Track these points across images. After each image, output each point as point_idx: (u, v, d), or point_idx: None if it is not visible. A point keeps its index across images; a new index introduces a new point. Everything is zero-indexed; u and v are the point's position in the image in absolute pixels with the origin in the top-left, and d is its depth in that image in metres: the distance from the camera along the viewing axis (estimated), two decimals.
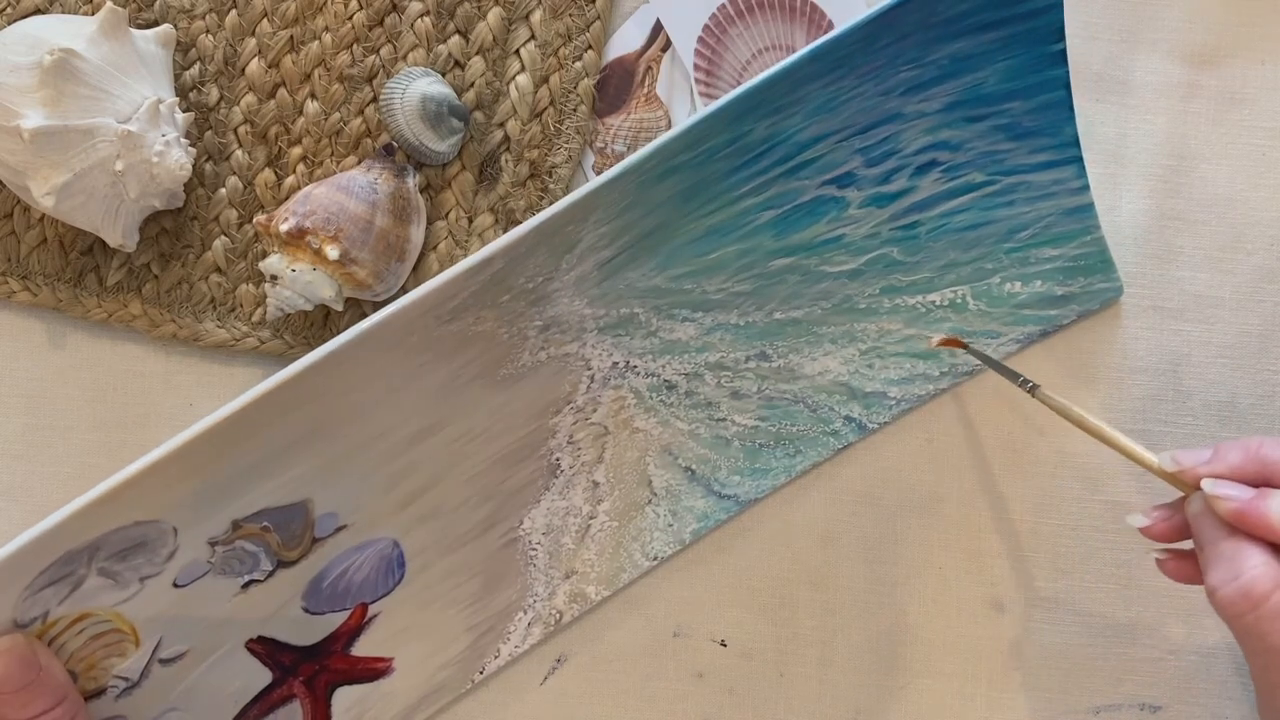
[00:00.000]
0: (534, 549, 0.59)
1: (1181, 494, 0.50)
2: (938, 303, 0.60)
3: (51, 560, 0.47)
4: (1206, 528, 0.48)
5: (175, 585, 0.51)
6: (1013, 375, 0.56)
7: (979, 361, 0.61)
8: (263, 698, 0.56)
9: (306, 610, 0.56)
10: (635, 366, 0.58)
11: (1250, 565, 0.46)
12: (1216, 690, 0.60)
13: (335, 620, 0.56)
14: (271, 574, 0.54)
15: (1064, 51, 0.56)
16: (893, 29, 0.52)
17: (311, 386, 0.48)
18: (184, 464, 0.47)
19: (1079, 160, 0.59)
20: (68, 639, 0.50)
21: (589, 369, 0.57)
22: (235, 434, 0.47)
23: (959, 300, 0.61)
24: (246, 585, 0.53)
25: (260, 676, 0.56)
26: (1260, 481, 0.47)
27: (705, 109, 0.51)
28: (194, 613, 0.53)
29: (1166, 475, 0.50)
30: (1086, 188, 0.60)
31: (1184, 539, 0.50)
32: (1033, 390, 0.54)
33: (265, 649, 0.55)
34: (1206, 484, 0.48)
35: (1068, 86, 0.57)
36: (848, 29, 0.51)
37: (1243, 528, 0.47)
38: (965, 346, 0.59)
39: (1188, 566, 0.51)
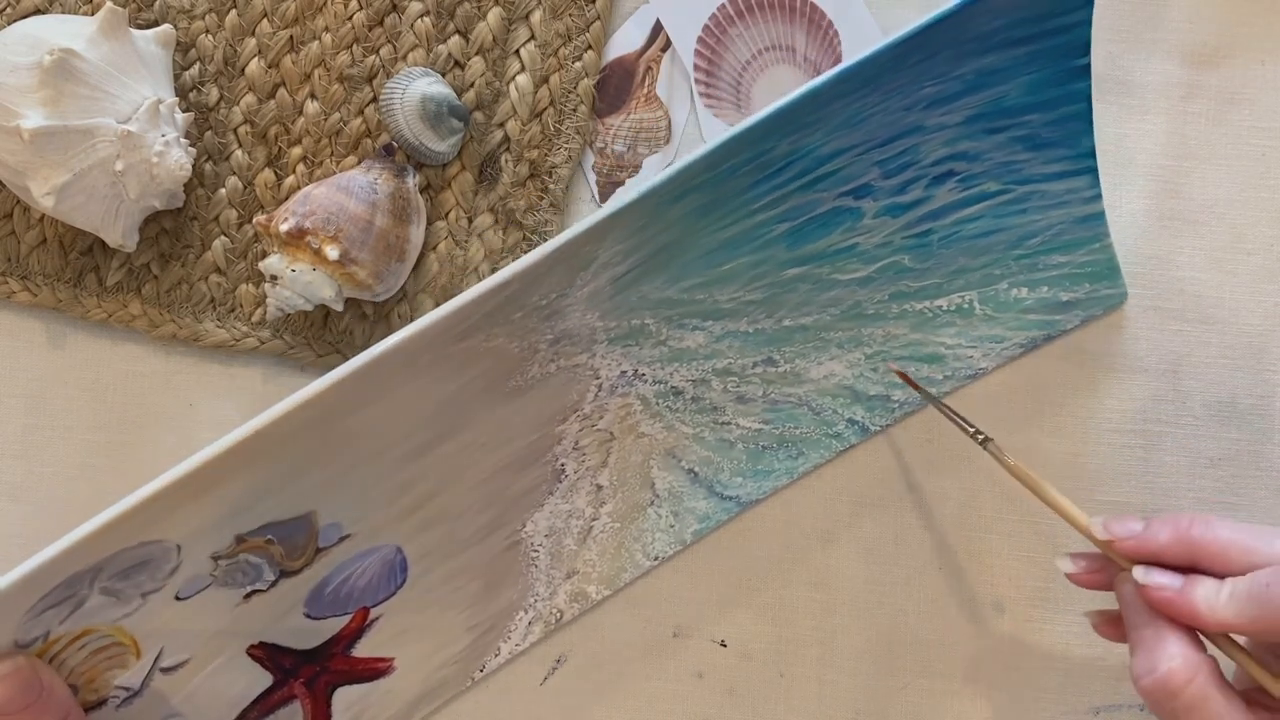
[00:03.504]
0: (536, 550, 0.59)
1: (1107, 546, 0.50)
2: (945, 308, 0.60)
3: (55, 584, 0.46)
4: (1132, 611, 0.48)
5: (177, 598, 0.51)
6: (964, 425, 0.55)
7: (977, 369, 0.61)
8: (263, 700, 0.56)
9: (308, 616, 0.56)
10: (643, 374, 0.57)
11: (1168, 656, 0.46)
12: None
13: (336, 624, 0.56)
14: (274, 584, 0.53)
15: (1088, 65, 0.55)
16: (924, 47, 0.51)
17: (322, 407, 0.47)
18: (196, 485, 0.46)
19: (1094, 170, 0.59)
20: (69, 655, 0.50)
21: (597, 378, 0.56)
22: (248, 456, 0.47)
23: (966, 305, 0.60)
24: (249, 595, 0.53)
25: (261, 680, 0.56)
26: (1187, 563, 0.47)
27: (731, 130, 0.49)
28: (195, 624, 0.52)
29: (1099, 543, 0.50)
30: (1099, 196, 0.59)
31: (1108, 588, 0.51)
32: (984, 443, 0.54)
33: (266, 653, 0.55)
34: (1138, 573, 0.48)
35: (1089, 99, 0.56)
36: (881, 49, 0.49)
37: (1168, 615, 0.47)
38: (916, 387, 0.59)
39: (1121, 630, 0.51)
